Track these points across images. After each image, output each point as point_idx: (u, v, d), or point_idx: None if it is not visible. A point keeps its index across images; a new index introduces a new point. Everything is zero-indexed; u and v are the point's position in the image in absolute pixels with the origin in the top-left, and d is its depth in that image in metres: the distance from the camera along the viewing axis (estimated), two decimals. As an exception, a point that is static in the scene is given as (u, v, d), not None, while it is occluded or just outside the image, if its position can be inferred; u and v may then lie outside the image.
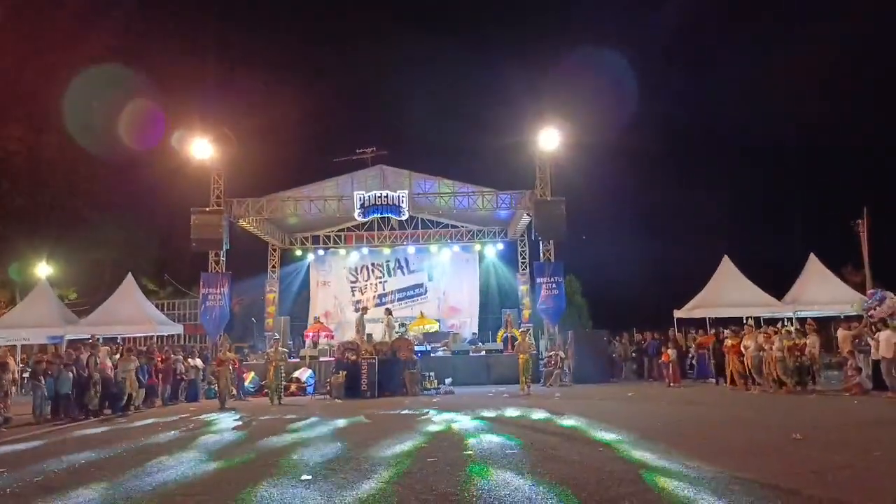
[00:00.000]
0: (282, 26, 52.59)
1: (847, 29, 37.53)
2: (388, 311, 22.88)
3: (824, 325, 21.10)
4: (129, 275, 22.43)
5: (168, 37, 41.47)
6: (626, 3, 50.82)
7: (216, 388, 16.71)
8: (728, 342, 16.99)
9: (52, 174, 32.36)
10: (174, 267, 31.89)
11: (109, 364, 14.93)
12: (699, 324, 21.71)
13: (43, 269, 27.10)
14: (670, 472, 6.36)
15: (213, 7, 49.33)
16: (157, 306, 24.92)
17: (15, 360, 13.74)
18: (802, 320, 19.51)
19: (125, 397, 14.84)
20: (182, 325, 25.08)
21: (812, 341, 15.63)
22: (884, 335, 13.57)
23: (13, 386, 13.29)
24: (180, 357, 17.60)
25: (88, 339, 20.31)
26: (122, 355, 15.56)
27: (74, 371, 14.07)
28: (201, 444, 9.38)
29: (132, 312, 21.20)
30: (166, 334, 23.68)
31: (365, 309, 23.89)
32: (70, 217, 33.09)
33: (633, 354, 22.07)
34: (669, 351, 18.94)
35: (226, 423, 12.24)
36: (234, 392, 17.16)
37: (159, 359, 17.02)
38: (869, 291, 16.66)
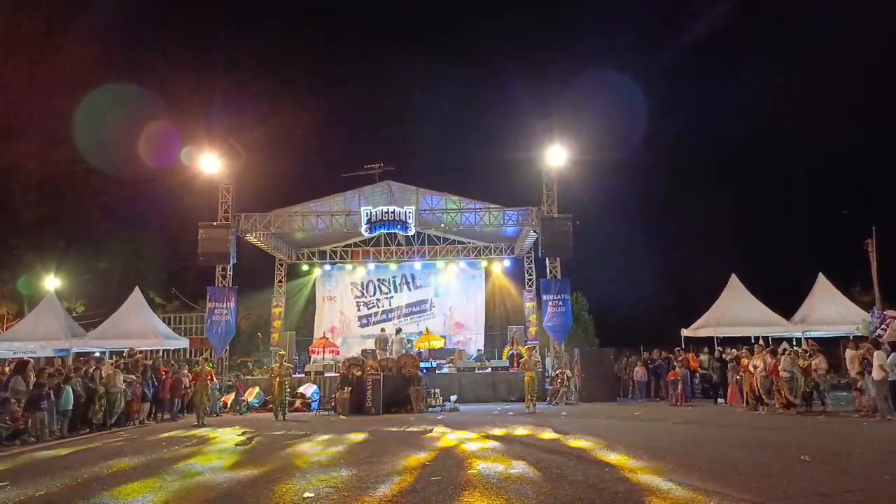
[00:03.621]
0: (291, 43, 53.16)
1: (858, 49, 37.59)
2: (382, 330, 23.11)
3: (833, 346, 20.91)
4: (137, 288, 22.50)
5: (178, 53, 41.97)
6: (634, 22, 51.10)
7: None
8: (744, 361, 16.83)
9: (61, 188, 32.60)
10: (181, 281, 32.02)
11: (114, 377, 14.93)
12: (707, 343, 21.55)
13: (51, 282, 27.21)
14: (676, 493, 6.30)
15: (223, 23, 49.86)
16: (163, 320, 24.97)
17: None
18: (810, 340, 19.36)
19: (118, 411, 14.85)
20: (188, 339, 25.09)
21: (818, 362, 15.51)
22: (876, 356, 13.44)
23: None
24: (186, 371, 17.60)
25: (94, 352, 20.40)
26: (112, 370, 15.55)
27: (80, 385, 14.07)
28: (204, 460, 9.34)
29: (139, 326, 21.24)
30: (172, 348, 23.70)
31: (383, 329, 23.98)
32: (78, 230, 33.29)
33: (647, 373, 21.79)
34: (679, 370, 18.82)
35: (229, 438, 12.21)
36: (207, 408, 16.40)
37: (163, 371, 17.05)
38: (875, 310, 16.55)
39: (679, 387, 18.54)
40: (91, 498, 6.76)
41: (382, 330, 23.83)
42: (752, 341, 18.79)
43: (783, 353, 15.60)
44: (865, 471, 7.59)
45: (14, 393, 12.61)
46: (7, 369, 13.72)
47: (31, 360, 15.13)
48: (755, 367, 15.98)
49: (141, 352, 19.76)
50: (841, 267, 23.45)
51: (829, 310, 20.54)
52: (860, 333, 17.28)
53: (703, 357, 20.07)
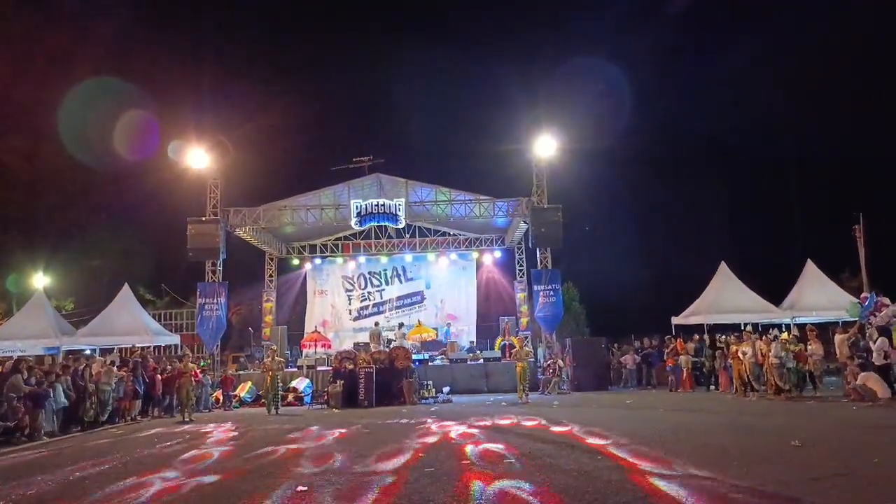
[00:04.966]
0: (278, 36, 52.77)
1: (844, 38, 37.71)
2: (376, 324, 23.26)
3: (822, 332, 21.07)
4: (126, 285, 22.33)
5: (164, 47, 41.60)
6: (622, 11, 51.02)
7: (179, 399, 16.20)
8: (733, 348, 16.96)
9: (49, 185, 32.33)
10: (171, 277, 31.83)
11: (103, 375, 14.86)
12: (697, 330, 21.68)
13: (40, 280, 27.00)
14: (669, 480, 6.32)
15: (209, 17, 49.46)
16: (153, 316, 24.81)
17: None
18: (800, 326, 19.49)
19: (109, 408, 14.79)
20: (179, 335, 24.97)
21: (814, 348, 15.62)
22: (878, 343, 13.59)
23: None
24: (174, 367, 17.51)
25: (85, 350, 20.23)
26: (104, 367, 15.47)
27: (70, 383, 13.99)
28: (197, 455, 9.31)
29: (129, 323, 21.10)
30: (163, 345, 23.59)
31: (377, 323, 24.05)
32: (67, 227, 33.05)
33: (638, 361, 21.93)
34: (681, 357, 19.02)
35: (222, 433, 12.18)
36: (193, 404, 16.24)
37: (152, 368, 16.96)
38: (862, 295, 16.66)
39: (683, 373, 18.82)
40: (83, 496, 6.72)
41: (376, 324, 23.81)
42: (742, 328, 18.91)
43: (773, 340, 15.71)
44: (856, 454, 7.65)
45: (16, 390, 12.52)
46: (2, 368, 13.62)
47: (25, 359, 15.04)
48: (744, 354, 16.10)
49: (143, 349, 19.74)
50: (829, 253, 23.59)
51: (818, 296, 20.66)
52: (849, 318, 17.42)
53: (691, 345, 20.20)
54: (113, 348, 21.53)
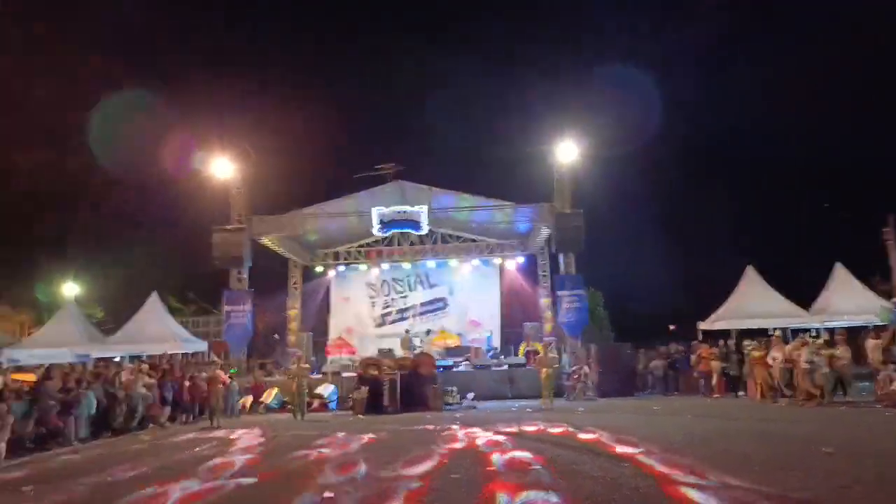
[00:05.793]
0: (302, 45, 53.34)
1: (871, 40, 37.14)
2: (407, 331, 23.28)
3: (853, 336, 20.68)
4: (154, 293, 22.67)
5: (191, 58, 42.21)
6: (646, 17, 50.76)
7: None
8: (754, 354, 16.73)
9: (79, 196, 33.03)
10: (198, 284, 32.29)
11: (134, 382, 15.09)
12: (724, 335, 21.40)
13: (70, 289, 27.51)
14: (697, 487, 6.26)
15: (235, 26, 50.15)
16: (182, 324, 25.18)
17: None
18: (831, 331, 19.15)
19: (138, 414, 14.99)
20: (206, 342, 25.28)
21: (842, 352, 15.34)
22: None
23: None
24: (204, 374, 17.70)
25: (115, 357, 20.56)
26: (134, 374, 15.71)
27: (101, 390, 14.23)
28: (223, 461, 9.41)
29: (157, 330, 21.43)
30: (191, 351, 23.88)
31: (407, 330, 24.11)
32: (96, 237, 33.72)
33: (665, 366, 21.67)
34: (714, 363, 18.80)
35: (250, 439, 12.29)
36: (223, 408, 16.61)
37: (179, 375, 17.17)
38: (893, 300, 16.33)
39: (714, 378, 18.60)
40: (114, 500, 6.82)
41: (407, 331, 23.86)
42: (770, 333, 18.65)
43: (803, 344, 15.46)
44: (889, 462, 7.50)
45: (51, 397, 12.76)
46: (35, 376, 13.90)
47: (59, 366, 15.32)
48: (774, 359, 15.84)
49: (171, 356, 20.04)
50: (859, 256, 23.18)
51: (848, 300, 20.32)
52: (880, 322, 17.09)
53: (714, 349, 19.93)
54: (142, 355, 21.84)
